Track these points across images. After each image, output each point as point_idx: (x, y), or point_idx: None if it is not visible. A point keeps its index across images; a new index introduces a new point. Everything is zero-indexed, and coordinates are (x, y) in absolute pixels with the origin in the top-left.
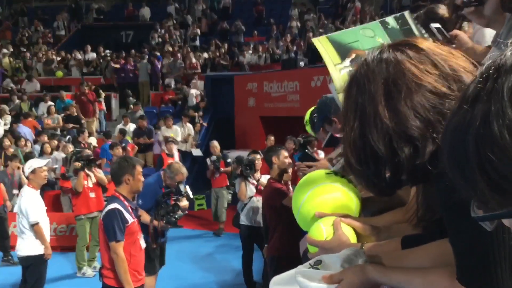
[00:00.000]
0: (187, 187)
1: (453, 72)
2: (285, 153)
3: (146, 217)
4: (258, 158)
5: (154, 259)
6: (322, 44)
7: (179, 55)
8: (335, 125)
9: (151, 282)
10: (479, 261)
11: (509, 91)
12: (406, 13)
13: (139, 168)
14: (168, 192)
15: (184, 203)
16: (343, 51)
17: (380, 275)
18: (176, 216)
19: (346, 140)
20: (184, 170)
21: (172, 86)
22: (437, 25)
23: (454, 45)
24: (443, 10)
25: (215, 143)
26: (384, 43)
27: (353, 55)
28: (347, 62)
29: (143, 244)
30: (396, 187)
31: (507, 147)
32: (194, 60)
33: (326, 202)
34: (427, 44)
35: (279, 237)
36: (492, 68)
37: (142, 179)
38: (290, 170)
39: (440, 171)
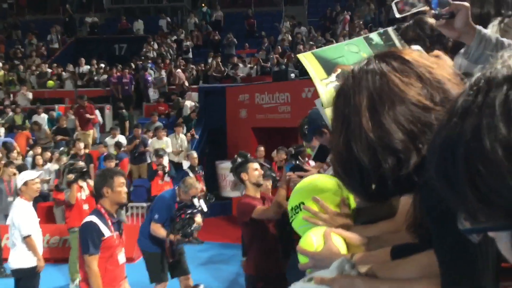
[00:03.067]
0: (202, 201)
1: (437, 83)
2: (254, 165)
3: (161, 232)
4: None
5: (164, 268)
6: (307, 59)
7: (162, 69)
8: (325, 136)
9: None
10: (463, 271)
11: (501, 105)
12: (390, 29)
13: (118, 180)
14: (182, 206)
15: (198, 217)
16: (328, 66)
17: (368, 286)
18: (191, 228)
19: (334, 151)
20: (197, 185)
21: (154, 98)
22: None
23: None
24: (431, 20)
25: (194, 154)
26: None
27: (339, 70)
28: (333, 77)
29: (121, 259)
30: (384, 196)
31: (498, 162)
32: (179, 72)
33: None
34: (412, 55)
35: (254, 255)
36: (482, 80)
37: (124, 190)
38: (265, 182)
39: (424, 181)
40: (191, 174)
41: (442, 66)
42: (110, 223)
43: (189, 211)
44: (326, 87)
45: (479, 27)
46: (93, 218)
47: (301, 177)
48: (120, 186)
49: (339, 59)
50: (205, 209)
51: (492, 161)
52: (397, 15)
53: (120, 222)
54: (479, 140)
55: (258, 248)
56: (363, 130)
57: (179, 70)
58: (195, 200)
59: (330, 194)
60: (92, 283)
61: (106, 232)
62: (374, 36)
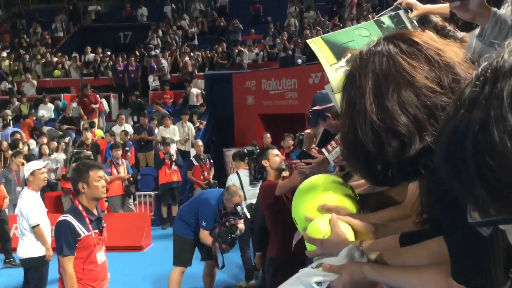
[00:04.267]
0: (245, 208)
1: (446, 66)
2: (274, 152)
3: (208, 239)
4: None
5: (191, 255)
6: (317, 45)
7: (160, 56)
8: (329, 121)
9: (179, 271)
10: (474, 259)
11: (509, 96)
12: (401, 12)
13: (94, 174)
14: (226, 214)
15: (241, 223)
16: (338, 51)
17: (378, 274)
18: (232, 235)
19: (341, 134)
20: (241, 193)
21: (154, 84)
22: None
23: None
24: (436, 18)
25: (199, 143)
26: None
27: (349, 55)
28: (342, 62)
29: (101, 258)
30: (390, 180)
31: (508, 154)
32: (187, 60)
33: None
34: (422, 37)
35: (278, 237)
36: (489, 70)
37: (102, 184)
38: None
39: (433, 170)
40: (195, 162)
41: (453, 49)
42: (87, 221)
43: (232, 219)
44: (335, 72)
45: (494, 9)
46: (68, 217)
47: (308, 163)
48: (97, 180)
49: (349, 43)
50: (249, 216)
51: (501, 154)
52: None
53: (100, 219)
54: (487, 132)
55: (281, 231)
56: (367, 113)
57: (187, 57)
58: (239, 208)
59: (332, 195)
60: (66, 284)
61: (83, 231)
62: (385, 19)
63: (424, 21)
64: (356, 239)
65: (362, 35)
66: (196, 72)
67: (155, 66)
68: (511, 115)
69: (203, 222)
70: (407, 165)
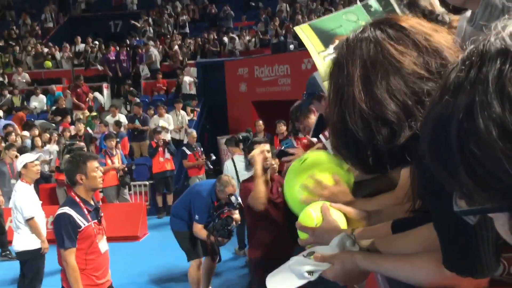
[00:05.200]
0: (239, 198)
1: (435, 51)
2: (262, 147)
3: (203, 233)
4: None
5: (196, 245)
6: (304, 32)
7: (151, 45)
8: (324, 101)
9: (195, 266)
10: (463, 246)
11: (494, 81)
12: None
13: (91, 165)
14: (220, 205)
15: (236, 214)
16: (326, 38)
17: (369, 263)
18: (229, 228)
19: (330, 123)
20: (233, 182)
21: (144, 73)
22: None
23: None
24: (425, 1)
25: (194, 133)
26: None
27: (337, 42)
28: (331, 49)
29: (103, 247)
30: (381, 168)
31: (493, 142)
32: (176, 48)
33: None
34: (410, 22)
35: (259, 239)
36: (475, 54)
37: (99, 174)
38: (271, 161)
39: (420, 157)
40: (188, 151)
41: (441, 33)
42: (86, 212)
43: (226, 210)
44: (324, 60)
45: None
46: (67, 210)
47: (289, 161)
48: (94, 170)
49: (337, 29)
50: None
51: (486, 141)
52: None
53: (98, 208)
54: (472, 119)
55: (262, 233)
56: (356, 101)
57: (176, 46)
58: (233, 198)
59: (327, 166)
60: (69, 276)
61: (82, 222)
62: (373, 2)
63: (412, 6)
64: (349, 227)
65: (349, 20)
66: (186, 60)
67: (144, 55)
68: (497, 101)
69: (196, 216)
70: (397, 152)
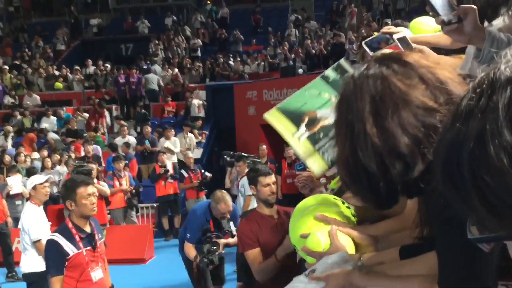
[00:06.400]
0: (231, 223)
1: (440, 84)
2: (265, 181)
3: (191, 252)
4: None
5: (204, 275)
6: (274, 117)
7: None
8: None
9: None
10: (468, 271)
11: (504, 109)
12: (342, 61)
13: (82, 191)
14: (207, 229)
15: (223, 241)
16: (295, 118)
17: (364, 280)
18: (210, 257)
19: (339, 159)
20: (227, 199)
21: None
22: (401, 34)
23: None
24: (403, 28)
25: (189, 154)
26: (332, 96)
27: (306, 119)
28: (302, 128)
29: (96, 276)
30: (394, 201)
31: (504, 171)
32: (177, 72)
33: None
34: (413, 56)
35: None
36: (486, 82)
37: (91, 201)
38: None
39: (433, 186)
40: (185, 174)
41: (444, 66)
42: (77, 239)
43: (214, 235)
44: (299, 140)
45: (488, 28)
46: (55, 236)
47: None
48: (85, 198)
49: (303, 107)
50: (234, 233)
51: (497, 170)
52: (371, 54)
53: (93, 235)
54: (483, 147)
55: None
56: (368, 136)
57: (176, 70)
58: (224, 222)
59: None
60: None
61: (71, 250)
62: (329, 72)
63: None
64: (357, 252)
65: (312, 95)
66: (187, 83)
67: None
68: (507, 130)
69: (187, 234)
70: (411, 185)
